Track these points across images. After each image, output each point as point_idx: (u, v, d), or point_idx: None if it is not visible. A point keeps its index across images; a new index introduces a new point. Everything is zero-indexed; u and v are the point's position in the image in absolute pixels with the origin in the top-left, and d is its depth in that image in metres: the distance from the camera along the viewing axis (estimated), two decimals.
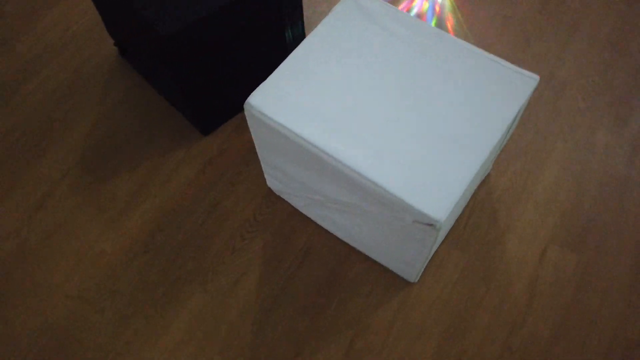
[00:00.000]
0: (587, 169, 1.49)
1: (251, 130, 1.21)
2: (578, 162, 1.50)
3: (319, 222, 1.41)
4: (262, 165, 1.36)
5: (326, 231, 1.42)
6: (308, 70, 1.15)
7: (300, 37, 1.58)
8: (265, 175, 1.41)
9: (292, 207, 1.46)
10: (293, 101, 1.11)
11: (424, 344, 1.28)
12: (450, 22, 1.81)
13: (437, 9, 1.85)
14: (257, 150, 1.29)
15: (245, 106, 1.12)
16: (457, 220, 1.43)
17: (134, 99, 1.66)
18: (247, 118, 1.16)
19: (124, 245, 1.42)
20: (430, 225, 0.99)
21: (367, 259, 1.38)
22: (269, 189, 1.49)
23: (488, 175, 1.50)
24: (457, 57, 1.16)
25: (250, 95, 1.13)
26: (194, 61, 1.34)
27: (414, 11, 1.84)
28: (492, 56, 1.16)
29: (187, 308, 1.34)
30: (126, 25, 1.44)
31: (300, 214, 1.45)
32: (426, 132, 1.07)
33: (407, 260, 1.23)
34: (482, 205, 1.45)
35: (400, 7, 1.86)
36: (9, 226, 1.46)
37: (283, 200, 1.47)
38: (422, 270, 1.32)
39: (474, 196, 1.46)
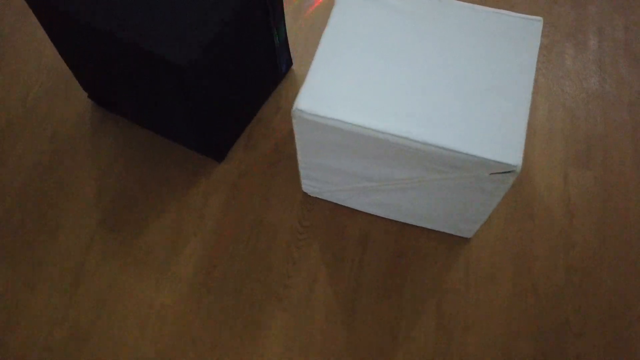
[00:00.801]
0: (569, 93, 1.66)
1: (298, 136, 1.21)
2: (560, 91, 1.66)
3: (366, 209, 1.44)
4: (302, 171, 1.37)
5: (374, 216, 1.46)
6: (339, 62, 1.18)
7: (284, 39, 1.59)
8: (303, 180, 1.42)
9: (332, 204, 1.48)
10: (339, 95, 1.14)
11: (500, 286, 1.36)
12: None
13: None
14: (300, 155, 1.29)
15: (295, 113, 1.13)
16: None
17: (130, 145, 1.58)
18: (295, 125, 1.17)
19: (183, 292, 1.36)
20: (509, 172, 1.07)
21: (422, 229, 1.44)
22: (304, 193, 1.50)
23: None
24: (465, 18, 1.25)
25: (296, 102, 1.14)
26: (204, 88, 1.31)
27: None
28: (495, 10, 1.26)
29: (274, 330, 1.32)
30: (116, 68, 1.37)
31: (342, 208, 1.47)
32: (467, 90, 1.15)
33: (469, 217, 1.30)
34: None
35: None
36: (52, 315, 1.34)
37: (320, 200, 1.48)
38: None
39: None
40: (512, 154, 1.07)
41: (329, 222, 1.46)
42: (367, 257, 1.41)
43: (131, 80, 1.37)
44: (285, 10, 1.85)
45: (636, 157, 1.54)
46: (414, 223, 1.43)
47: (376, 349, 1.30)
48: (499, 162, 1.06)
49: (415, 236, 1.43)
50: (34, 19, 1.83)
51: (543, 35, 1.78)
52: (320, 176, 1.36)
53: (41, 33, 1.80)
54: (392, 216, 1.43)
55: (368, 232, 1.44)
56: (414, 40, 1.21)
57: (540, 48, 1.74)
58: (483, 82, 1.16)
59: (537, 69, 1.70)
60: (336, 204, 1.48)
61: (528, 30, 1.23)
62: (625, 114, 1.61)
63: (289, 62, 1.70)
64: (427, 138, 1.09)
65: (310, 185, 1.43)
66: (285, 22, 1.62)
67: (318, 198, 1.49)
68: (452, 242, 1.42)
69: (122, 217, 1.47)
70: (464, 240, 1.43)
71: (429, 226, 1.42)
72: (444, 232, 1.43)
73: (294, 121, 1.16)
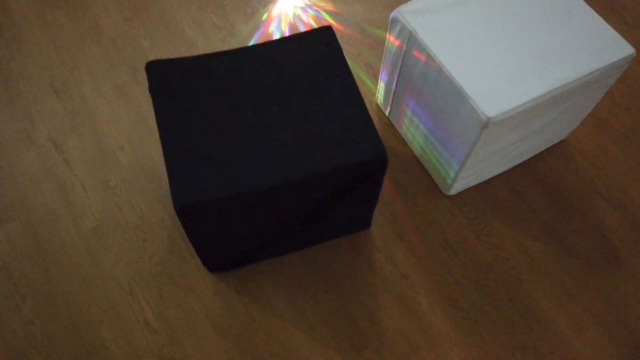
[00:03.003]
0: None
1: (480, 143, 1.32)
2: None
3: (507, 166, 1.61)
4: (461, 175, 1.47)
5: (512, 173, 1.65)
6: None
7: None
8: (455, 185, 1.52)
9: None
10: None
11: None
12: None
13: None
14: (470, 159, 1.40)
15: (486, 121, 1.24)
16: None
17: (288, 278, 1.46)
18: (485, 132, 1.28)
19: None
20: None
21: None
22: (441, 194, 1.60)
23: None
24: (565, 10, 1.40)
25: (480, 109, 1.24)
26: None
27: None
28: (596, 15, 1.40)
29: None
30: (295, 209, 1.26)
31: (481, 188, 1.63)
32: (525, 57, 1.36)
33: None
34: None
35: None
36: None
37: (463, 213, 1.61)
38: None
39: None
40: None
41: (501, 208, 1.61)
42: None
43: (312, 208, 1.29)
44: None
45: None
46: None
47: None
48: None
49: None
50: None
51: None
52: (478, 163, 1.46)
53: None
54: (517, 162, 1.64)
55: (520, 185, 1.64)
56: (509, 18, 1.39)
57: None
58: (541, 56, 1.35)
59: None
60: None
61: (613, 49, 1.36)
62: None
63: None
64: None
65: (464, 182, 1.54)
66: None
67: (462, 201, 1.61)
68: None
69: None
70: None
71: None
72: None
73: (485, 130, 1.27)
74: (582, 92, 1.38)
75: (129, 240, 1.52)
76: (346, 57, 1.89)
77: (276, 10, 1.99)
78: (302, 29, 1.95)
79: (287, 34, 1.93)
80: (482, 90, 1.28)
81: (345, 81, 1.28)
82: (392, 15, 1.42)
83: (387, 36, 1.49)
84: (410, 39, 1.39)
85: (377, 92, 1.75)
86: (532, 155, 1.67)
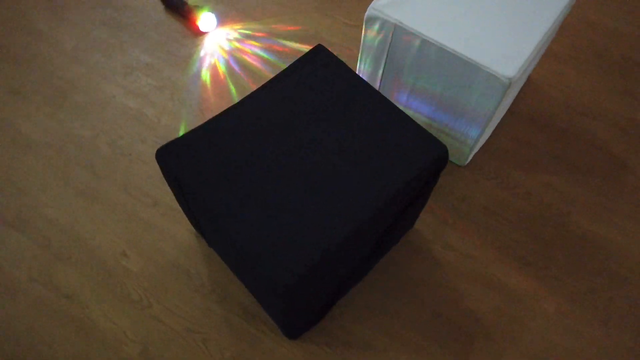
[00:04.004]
0: None
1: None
2: None
3: (500, 118, 1.67)
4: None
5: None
6: None
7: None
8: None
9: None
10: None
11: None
12: None
13: None
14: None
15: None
16: None
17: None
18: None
19: None
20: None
21: None
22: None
23: None
24: None
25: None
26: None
27: None
28: None
29: None
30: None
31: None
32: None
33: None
34: None
35: None
36: None
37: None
38: None
39: None
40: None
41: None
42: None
43: (235, 261, 1.18)
44: None
45: None
46: None
47: None
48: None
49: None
50: None
51: None
52: (491, 125, 1.49)
53: None
54: None
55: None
56: None
57: None
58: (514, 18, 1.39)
59: None
60: None
61: None
62: None
63: None
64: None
65: (477, 147, 1.56)
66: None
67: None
68: None
69: None
70: None
71: None
72: None
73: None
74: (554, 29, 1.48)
75: (187, 349, 1.32)
76: None
77: (206, 49, 1.84)
78: (250, 60, 1.83)
79: (236, 69, 1.80)
80: (490, 56, 1.29)
81: (367, 92, 1.22)
82: (367, 14, 1.38)
83: (364, 35, 1.45)
84: (396, 31, 1.36)
85: None
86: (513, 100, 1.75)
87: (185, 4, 1.88)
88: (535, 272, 1.47)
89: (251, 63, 1.83)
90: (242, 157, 1.11)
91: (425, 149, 1.14)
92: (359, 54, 1.53)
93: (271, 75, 1.80)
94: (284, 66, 1.82)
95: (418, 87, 1.47)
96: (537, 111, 1.76)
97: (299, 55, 1.84)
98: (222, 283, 1.41)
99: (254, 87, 1.77)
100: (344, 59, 1.85)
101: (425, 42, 1.34)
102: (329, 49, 1.87)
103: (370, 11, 1.38)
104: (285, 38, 1.90)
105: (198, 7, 1.86)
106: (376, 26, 1.40)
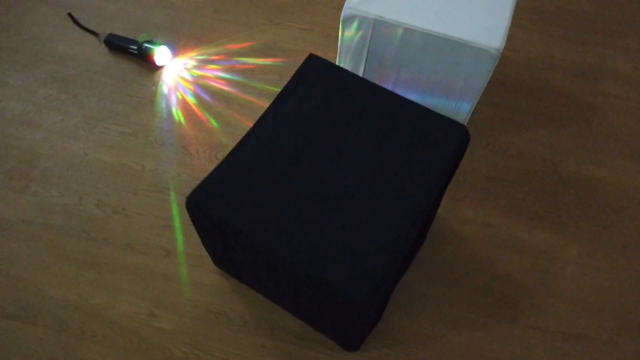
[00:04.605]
0: None
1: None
2: None
3: None
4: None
5: None
6: None
7: None
8: None
9: None
10: None
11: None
12: None
13: None
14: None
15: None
16: None
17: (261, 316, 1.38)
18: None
19: None
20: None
21: None
22: None
23: None
24: None
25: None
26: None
27: None
28: None
29: None
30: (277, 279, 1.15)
31: None
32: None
33: None
34: None
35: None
36: None
37: None
38: None
39: None
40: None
41: None
42: None
43: (292, 291, 1.18)
44: None
45: None
46: None
47: None
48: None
49: None
50: None
51: None
52: None
53: None
54: None
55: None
56: None
57: None
58: None
59: None
60: None
61: None
62: None
63: None
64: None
65: None
66: None
67: None
68: None
69: None
70: None
71: None
72: None
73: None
74: None
75: None
76: (275, 85, 1.78)
77: (167, 84, 1.75)
78: (216, 84, 1.76)
79: (205, 97, 1.72)
80: (474, 32, 1.33)
81: (375, 91, 1.21)
82: (344, 14, 1.37)
83: (341, 36, 1.44)
84: (376, 25, 1.37)
85: None
86: None
87: (136, 41, 1.78)
88: (550, 224, 1.54)
89: (218, 87, 1.77)
90: (278, 183, 1.07)
91: (448, 133, 1.16)
92: (337, 55, 1.52)
93: (244, 96, 1.75)
94: (253, 84, 1.78)
95: (403, 76, 1.49)
96: (504, 76, 1.84)
97: (265, 69, 1.81)
98: (264, 316, 1.35)
99: (230, 112, 1.71)
100: None
101: (409, 31, 1.35)
102: (288, 57, 1.84)
103: (347, 11, 1.37)
104: (244, 55, 1.85)
105: (149, 42, 1.76)
106: (354, 24, 1.40)
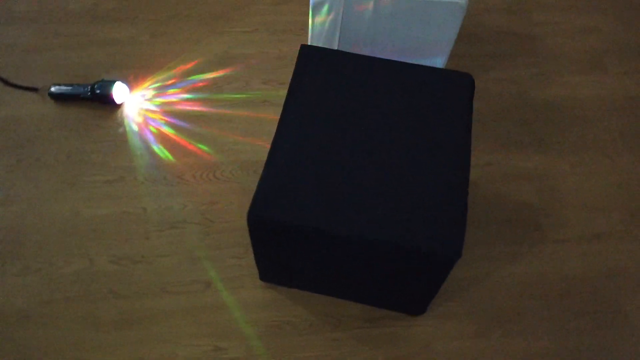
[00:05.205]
0: None
1: None
2: None
3: None
4: None
5: None
6: None
7: None
8: None
9: None
10: None
11: None
12: None
13: None
14: None
15: None
16: None
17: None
18: None
19: None
20: None
21: None
22: None
23: None
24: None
25: None
26: None
27: None
28: None
29: None
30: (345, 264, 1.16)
31: None
32: None
33: None
34: None
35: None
36: None
37: None
38: None
39: None
40: None
41: None
42: None
43: (363, 274, 1.20)
44: None
45: None
46: None
47: None
48: None
49: None
50: None
51: None
52: None
53: None
54: None
55: None
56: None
57: None
58: None
59: None
60: None
61: None
62: None
63: None
64: None
65: None
66: None
67: None
68: None
69: None
70: None
71: None
72: None
73: None
74: None
75: None
76: (261, 89, 1.74)
77: (134, 119, 1.66)
78: (184, 107, 1.69)
79: (178, 122, 1.65)
80: None
81: (379, 64, 1.24)
82: (313, 0, 1.38)
83: (311, 24, 1.45)
84: (346, 5, 1.40)
85: None
86: None
87: (85, 85, 1.66)
88: (537, 148, 1.67)
89: (188, 110, 1.70)
90: (327, 171, 1.07)
91: (459, 85, 1.22)
92: (309, 42, 1.53)
93: (218, 111, 1.69)
94: (221, 96, 1.73)
95: (376, 48, 1.54)
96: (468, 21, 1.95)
97: (227, 80, 1.77)
98: (326, 312, 1.35)
99: (210, 130, 1.65)
100: (274, 60, 1.82)
101: (379, 2, 1.40)
102: (245, 62, 1.82)
103: None
104: (201, 71, 1.79)
105: (100, 82, 1.65)
106: (324, 8, 1.41)
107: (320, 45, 1.53)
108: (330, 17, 1.44)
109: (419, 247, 1.00)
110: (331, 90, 1.19)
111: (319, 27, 1.47)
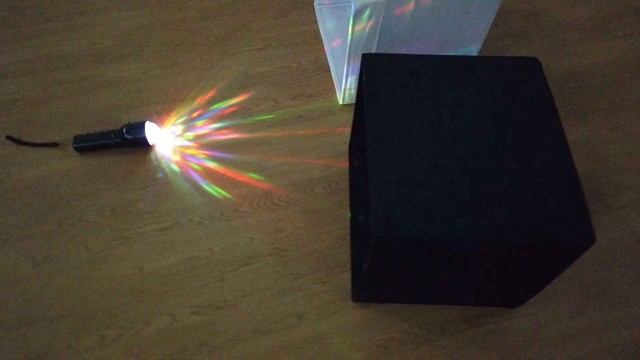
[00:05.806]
0: None
1: None
2: None
3: None
4: None
5: None
6: None
7: None
8: None
9: None
10: None
11: None
12: None
13: None
14: None
15: None
16: None
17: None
18: None
19: None
20: None
21: None
22: None
23: None
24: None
25: None
26: None
27: None
28: None
29: None
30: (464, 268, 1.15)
31: None
32: None
33: None
34: None
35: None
36: None
37: None
38: None
39: None
40: None
41: None
42: None
43: (475, 276, 1.19)
44: None
45: None
46: None
47: None
48: None
49: None
50: None
51: None
52: None
53: None
54: None
55: None
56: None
57: None
58: None
59: None
60: None
61: None
62: None
63: None
64: None
65: None
66: None
67: None
68: None
69: None
70: None
71: None
72: None
73: None
74: None
75: None
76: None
77: (171, 158, 1.56)
78: (219, 137, 1.60)
79: (218, 154, 1.56)
80: None
81: (434, 61, 1.22)
82: (356, 6, 1.34)
83: (351, 31, 1.41)
84: (388, 8, 1.36)
85: (341, 94, 1.66)
86: None
87: (112, 131, 1.54)
88: (576, 118, 1.70)
89: (223, 139, 1.62)
90: (435, 179, 1.03)
91: (530, 70, 1.21)
92: (347, 51, 1.48)
93: (256, 135, 1.62)
94: (254, 119, 1.66)
95: (415, 45, 1.51)
96: None
97: (255, 101, 1.69)
98: (427, 321, 1.32)
99: (255, 156, 1.58)
100: (296, 74, 1.76)
101: (419, 1, 1.37)
102: (267, 80, 1.75)
103: (358, 3, 1.34)
104: (225, 97, 1.71)
105: (128, 125, 1.54)
106: (366, 14, 1.37)
107: (358, 53, 1.49)
108: (371, 22, 1.40)
109: (551, 240, 0.98)
110: (409, 95, 1.16)
111: (359, 34, 1.43)
